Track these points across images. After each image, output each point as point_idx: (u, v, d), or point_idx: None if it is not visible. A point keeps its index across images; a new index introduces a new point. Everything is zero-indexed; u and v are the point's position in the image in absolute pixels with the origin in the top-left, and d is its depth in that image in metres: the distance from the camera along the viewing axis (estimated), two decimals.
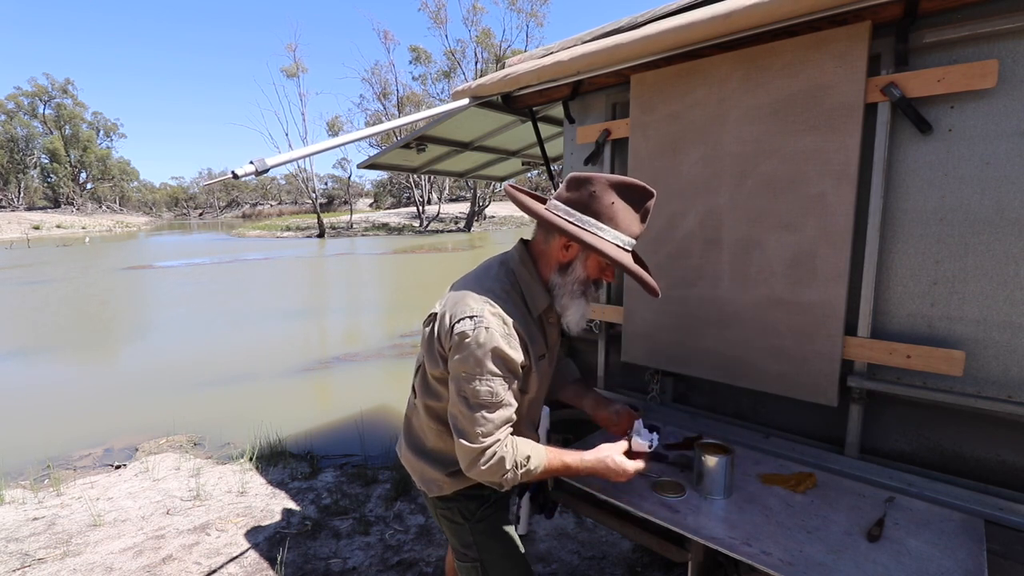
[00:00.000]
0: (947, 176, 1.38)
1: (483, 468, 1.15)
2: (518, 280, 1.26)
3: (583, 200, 1.19)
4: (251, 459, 3.72)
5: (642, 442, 1.29)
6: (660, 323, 1.94)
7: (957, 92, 1.34)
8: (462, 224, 34.25)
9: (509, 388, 1.17)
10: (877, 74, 1.45)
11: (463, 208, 40.07)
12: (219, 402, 5.32)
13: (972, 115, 1.33)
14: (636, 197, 1.20)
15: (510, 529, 1.43)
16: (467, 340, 1.12)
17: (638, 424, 1.33)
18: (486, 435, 1.14)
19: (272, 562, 2.52)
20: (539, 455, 1.21)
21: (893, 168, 1.46)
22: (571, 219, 1.19)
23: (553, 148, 3.29)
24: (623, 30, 1.93)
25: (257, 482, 3.40)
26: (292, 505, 3.09)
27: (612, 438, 1.38)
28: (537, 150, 3.02)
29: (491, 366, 1.13)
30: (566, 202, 1.21)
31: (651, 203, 1.22)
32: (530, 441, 1.22)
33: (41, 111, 59.10)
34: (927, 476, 1.44)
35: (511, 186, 1.31)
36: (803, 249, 1.58)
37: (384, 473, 3.47)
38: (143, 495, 3.25)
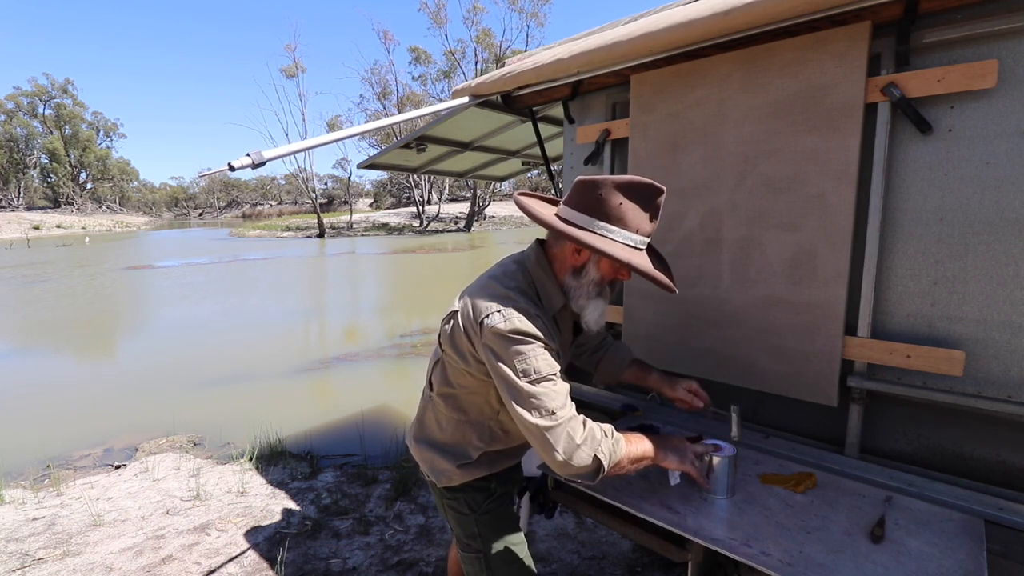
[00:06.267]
0: (947, 176, 1.38)
1: (579, 444, 1.11)
2: (534, 281, 1.28)
3: (591, 204, 1.20)
4: (251, 459, 3.72)
5: (724, 451, 1.35)
6: (660, 323, 1.94)
7: (957, 92, 1.34)
8: (462, 224, 34.25)
9: (557, 362, 1.19)
10: (877, 74, 1.45)
11: (463, 208, 40.08)
12: (219, 402, 5.32)
13: (972, 115, 1.33)
14: (644, 195, 1.20)
15: (514, 523, 1.45)
16: (502, 330, 1.14)
17: (725, 447, 1.38)
18: (561, 407, 1.13)
19: (272, 562, 2.52)
20: (619, 435, 1.20)
21: (893, 168, 1.46)
22: (580, 224, 1.21)
23: (553, 148, 3.29)
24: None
25: (257, 482, 3.41)
26: (292, 505, 3.09)
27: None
28: (537, 150, 3.02)
29: (537, 342, 1.15)
30: (575, 207, 1.23)
31: (661, 199, 1.22)
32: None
33: (41, 111, 59.11)
34: (927, 476, 1.44)
35: (520, 194, 1.33)
36: (803, 249, 1.58)
37: (384, 473, 3.48)
38: (143, 495, 3.25)
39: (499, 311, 1.16)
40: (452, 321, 1.28)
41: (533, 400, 1.12)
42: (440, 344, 1.34)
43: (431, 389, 1.39)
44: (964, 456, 1.45)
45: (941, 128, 1.38)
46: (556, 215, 1.26)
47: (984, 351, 1.36)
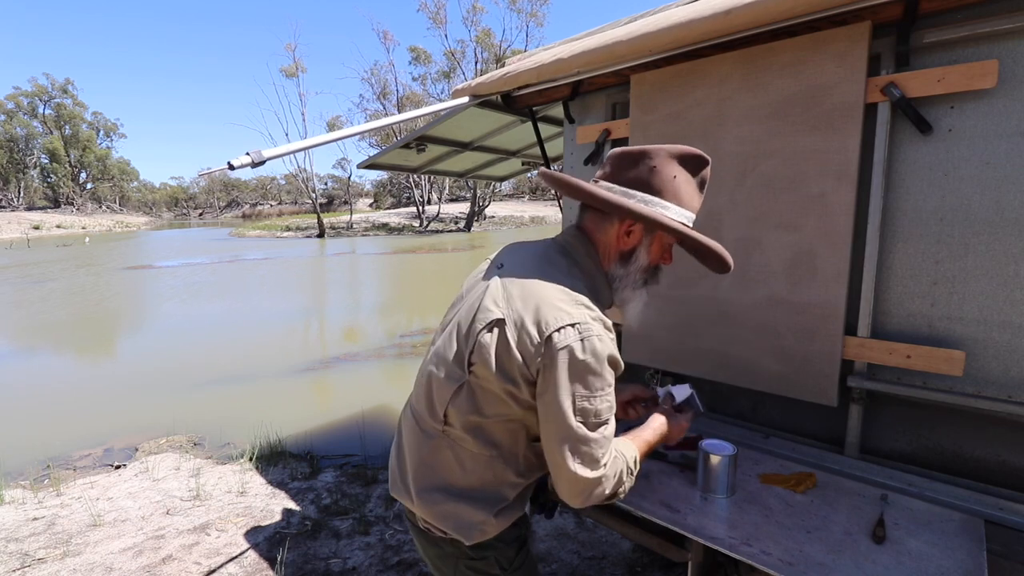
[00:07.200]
0: (947, 176, 1.38)
1: (607, 491, 0.99)
2: (586, 275, 1.08)
3: (642, 177, 1.04)
4: (251, 459, 3.72)
5: (683, 391, 1.31)
6: (660, 323, 1.94)
7: (957, 92, 1.34)
8: (462, 224, 34.25)
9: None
10: (877, 74, 1.45)
11: (463, 208, 40.08)
12: (219, 402, 5.32)
13: (972, 115, 1.34)
14: (696, 166, 1.06)
15: (540, 571, 1.31)
16: (578, 354, 0.93)
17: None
18: (605, 454, 0.98)
19: (272, 562, 2.52)
20: (632, 448, 1.09)
21: (893, 168, 1.46)
22: (633, 200, 1.04)
23: (553, 148, 3.29)
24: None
25: (257, 482, 3.41)
26: (292, 505, 3.09)
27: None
28: (537, 150, 3.03)
29: (609, 378, 0.97)
30: (621, 182, 1.06)
31: (707, 171, 1.08)
32: (618, 438, 1.08)
33: (41, 111, 59.12)
34: (927, 476, 1.44)
35: (546, 171, 1.16)
36: (803, 249, 1.58)
37: (384, 473, 3.47)
38: (143, 495, 3.25)
39: (573, 325, 0.94)
40: (496, 331, 0.99)
41: (582, 447, 0.95)
42: (468, 363, 1.02)
43: (445, 422, 1.07)
44: (964, 456, 1.45)
45: (941, 128, 1.38)
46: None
47: (984, 351, 1.36)
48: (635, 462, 1.06)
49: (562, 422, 0.94)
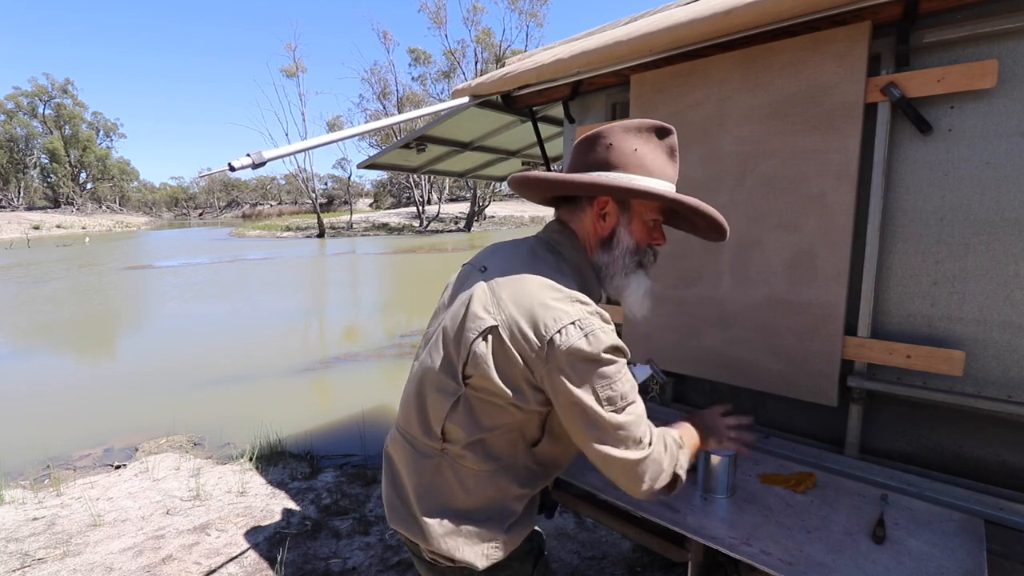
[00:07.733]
0: (947, 176, 1.38)
1: (664, 467, 0.96)
2: (575, 270, 1.04)
3: (600, 157, 1.01)
4: (251, 459, 3.72)
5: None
6: (660, 323, 1.94)
7: (957, 92, 1.34)
8: (462, 224, 34.25)
9: None
10: (877, 74, 1.45)
11: (463, 208, 40.08)
12: (219, 402, 5.32)
13: (972, 115, 1.34)
14: (658, 135, 1.03)
15: None
16: (585, 350, 0.89)
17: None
18: (646, 431, 0.95)
19: (272, 562, 2.52)
20: (668, 428, 1.05)
21: (893, 168, 1.46)
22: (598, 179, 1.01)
23: (553, 148, 3.29)
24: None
25: (257, 482, 3.41)
26: (292, 505, 3.09)
27: None
28: (537, 150, 3.03)
29: (621, 360, 0.95)
30: (583, 168, 1.03)
31: (673, 139, 1.03)
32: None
33: (41, 111, 59.14)
34: (927, 476, 1.44)
35: (513, 177, 1.12)
36: (803, 249, 1.58)
37: None
38: (143, 495, 3.24)
39: (574, 323, 0.90)
40: (491, 339, 0.94)
41: (620, 432, 0.91)
42: (463, 375, 0.97)
43: (443, 440, 1.01)
44: (964, 456, 1.45)
45: (941, 128, 1.38)
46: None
47: (984, 351, 1.36)
48: (680, 439, 1.03)
49: (592, 417, 0.91)
